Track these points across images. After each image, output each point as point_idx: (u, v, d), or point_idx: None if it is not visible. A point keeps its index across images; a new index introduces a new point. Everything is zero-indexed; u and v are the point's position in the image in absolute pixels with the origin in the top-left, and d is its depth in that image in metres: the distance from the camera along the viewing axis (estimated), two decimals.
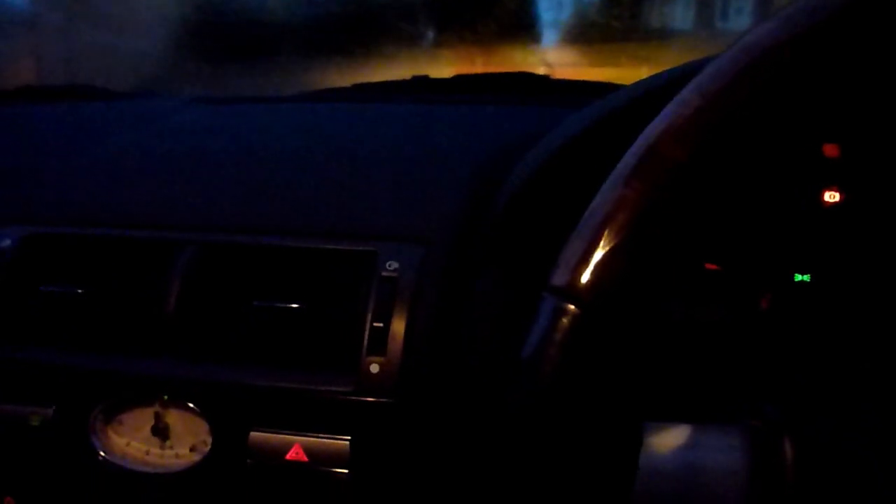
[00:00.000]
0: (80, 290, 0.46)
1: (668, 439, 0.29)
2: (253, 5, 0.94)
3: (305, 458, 0.41)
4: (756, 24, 0.26)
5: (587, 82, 0.69)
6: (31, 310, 0.46)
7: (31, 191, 0.52)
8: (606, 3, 0.88)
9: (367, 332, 0.41)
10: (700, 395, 0.39)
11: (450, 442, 0.40)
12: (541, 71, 0.78)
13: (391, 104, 0.66)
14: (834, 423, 0.30)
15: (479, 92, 0.68)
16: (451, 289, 0.42)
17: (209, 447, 0.43)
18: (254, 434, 0.42)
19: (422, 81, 0.71)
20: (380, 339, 0.41)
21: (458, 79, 0.71)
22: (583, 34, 0.88)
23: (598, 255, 0.26)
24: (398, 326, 0.41)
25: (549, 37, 0.89)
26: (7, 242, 0.47)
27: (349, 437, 0.41)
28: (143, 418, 0.44)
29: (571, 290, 0.26)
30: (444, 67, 0.84)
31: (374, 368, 0.40)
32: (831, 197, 0.42)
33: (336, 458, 0.41)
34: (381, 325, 0.41)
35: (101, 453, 0.44)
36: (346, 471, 0.41)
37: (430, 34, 0.87)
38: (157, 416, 0.44)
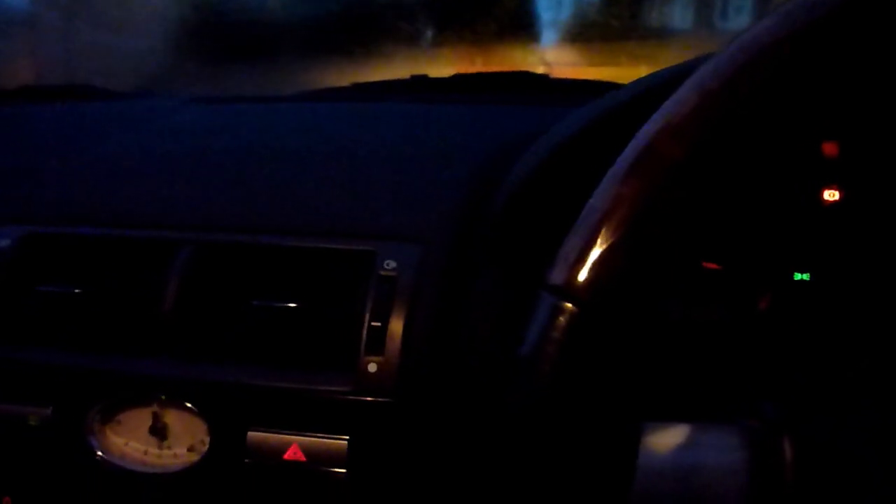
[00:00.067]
0: (77, 290, 0.46)
1: (667, 439, 0.29)
2: (252, 5, 0.94)
3: (304, 458, 0.41)
4: (754, 22, 0.26)
5: (586, 81, 0.69)
6: (29, 310, 0.46)
7: (29, 190, 0.52)
8: (606, 2, 0.88)
9: (365, 332, 0.41)
10: (699, 394, 0.39)
11: (448, 442, 0.40)
12: (540, 70, 0.78)
13: (390, 103, 0.66)
14: (833, 422, 0.30)
15: (478, 91, 0.68)
16: (450, 288, 0.42)
17: (207, 447, 0.43)
18: (252, 434, 0.41)
19: (421, 81, 0.71)
20: (378, 339, 0.40)
21: (457, 78, 0.71)
22: (582, 33, 0.88)
23: (596, 253, 0.26)
24: (396, 326, 0.41)
25: (549, 36, 0.89)
26: (5, 242, 0.47)
27: (347, 437, 0.41)
28: (141, 418, 0.44)
29: (569, 289, 0.26)
30: (443, 67, 0.84)
31: (372, 368, 0.40)
32: (831, 195, 0.41)
33: (334, 458, 0.41)
34: (379, 324, 0.41)
35: (99, 453, 0.44)
36: (344, 471, 0.41)
37: (430, 34, 0.87)
38: (155, 416, 0.44)
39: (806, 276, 0.42)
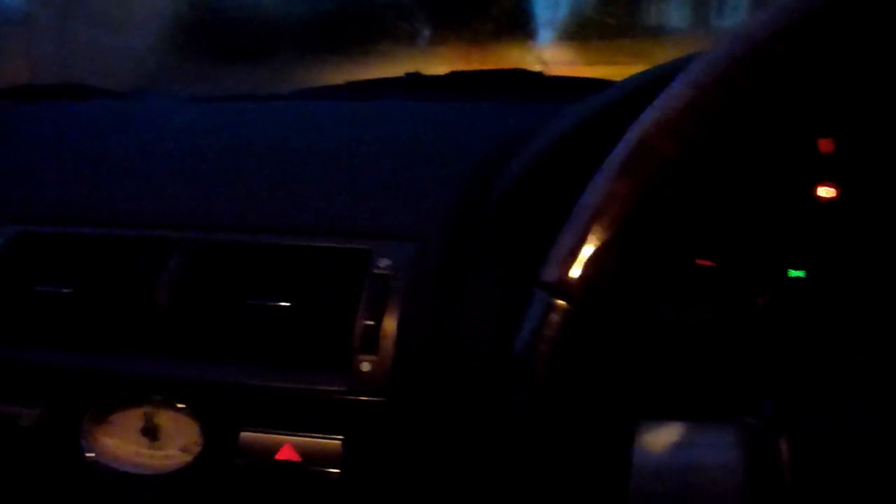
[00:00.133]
0: (71, 290, 0.45)
1: (663, 438, 0.29)
2: (248, 3, 0.94)
3: (297, 458, 0.41)
4: (749, 16, 0.26)
5: (582, 79, 0.68)
6: (23, 309, 0.46)
7: (24, 190, 0.52)
8: (602, 0, 0.88)
9: (359, 331, 0.40)
10: (695, 392, 0.38)
11: (443, 441, 0.40)
12: (536, 68, 0.78)
13: (385, 101, 0.66)
14: (829, 419, 0.29)
15: (473, 89, 0.68)
16: (445, 287, 0.42)
17: (200, 447, 0.43)
18: (245, 434, 0.41)
19: (416, 78, 0.71)
20: (372, 338, 0.40)
21: (453, 76, 0.71)
22: (578, 32, 0.88)
23: (589, 250, 0.25)
24: (390, 324, 0.40)
25: (545, 34, 0.88)
26: None
27: (341, 437, 0.40)
28: (133, 419, 0.44)
29: (561, 286, 0.25)
30: (438, 65, 0.83)
31: (366, 367, 0.40)
32: (826, 192, 0.41)
33: (328, 458, 0.40)
34: (373, 323, 0.40)
35: (91, 454, 0.44)
36: (338, 470, 0.40)
37: (425, 32, 0.87)
38: (147, 417, 0.44)
39: (801, 274, 0.41)
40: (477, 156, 0.49)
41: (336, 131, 0.58)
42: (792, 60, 0.25)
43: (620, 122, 0.28)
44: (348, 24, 0.86)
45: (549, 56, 0.86)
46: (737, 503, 0.28)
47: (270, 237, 0.44)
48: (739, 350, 0.40)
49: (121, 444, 0.44)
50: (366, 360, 0.40)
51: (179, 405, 0.43)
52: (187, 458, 0.43)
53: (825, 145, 0.41)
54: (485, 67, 0.80)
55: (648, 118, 0.26)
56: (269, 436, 0.41)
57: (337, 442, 0.40)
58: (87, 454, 0.44)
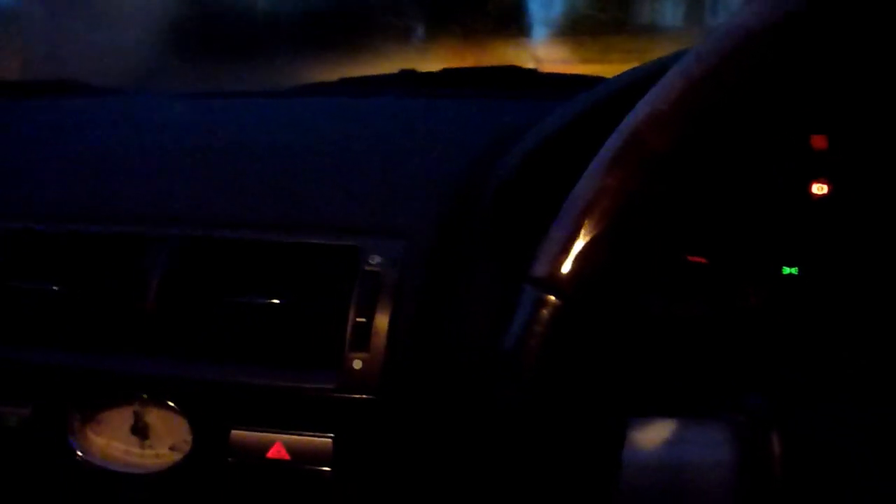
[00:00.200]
0: (57, 287, 0.45)
1: (654, 434, 0.29)
2: (241, 0, 0.94)
3: (287, 457, 0.40)
4: (742, 7, 0.26)
5: (576, 76, 0.68)
6: (8, 307, 0.45)
7: (11, 187, 0.51)
8: None
9: (349, 328, 0.40)
10: (686, 389, 0.38)
11: (435, 438, 0.40)
12: (530, 65, 0.78)
13: (378, 98, 0.65)
14: (820, 416, 0.29)
15: (467, 86, 0.68)
16: (436, 283, 0.42)
17: (189, 446, 0.42)
18: (235, 432, 0.41)
19: (409, 75, 0.71)
20: (363, 335, 0.40)
21: (446, 72, 0.70)
22: (572, 29, 0.88)
23: (579, 245, 0.25)
24: (381, 322, 0.40)
25: (539, 31, 0.88)
26: None
27: (332, 435, 0.40)
28: (122, 417, 0.44)
29: (552, 281, 0.25)
30: (432, 61, 0.83)
31: (357, 364, 0.40)
32: (819, 189, 0.41)
33: (319, 456, 0.40)
34: (363, 320, 0.40)
35: (80, 453, 0.43)
36: (328, 469, 0.40)
37: (419, 28, 0.86)
38: (137, 415, 0.43)
39: (794, 271, 0.41)
40: (470, 152, 0.49)
41: (329, 128, 0.58)
42: (785, 52, 0.25)
43: (612, 118, 0.28)
44: (342, 21, 0.86)
45: (543, 53, 0.86)
46: (727, 499, 0.27)
47: (260, 234, 0.44)
48: (731, 346, 0.40)
49: (110, 443, 0.44)
50: (357, 358, 0.40)
51: (169, 404, 0.42)
52: (177, 456, 0.43)
53: (818, 142, 0.41)
54: (478, 64, 0.80)
55: (639, 112, 0.26)
56: (259, 434, 0.41)
57: (328, 440, 0.40)
58: (77, 453, 0.43)
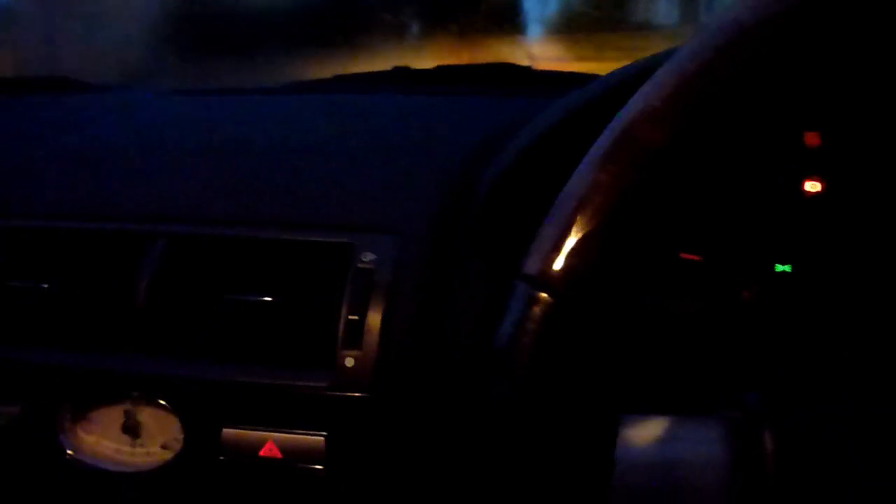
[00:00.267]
0: (48, 285, 0.44)
1: (646, 432, 0.29)
2: None
3: (280, 455, 0.40)
4: (735, 2, 0.26)
5: (570, 73, 0.68)
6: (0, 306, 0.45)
7: (2, 183, 0.51)
8: None
9: (342, 326, 0.40)
10: (679, 386, 0.38)
11: (427, 436, 0.40)
12: (524, 63, 0.77)
13: (372, 95, 0.65)
14: (813, 413, 0.29)
15: (461, 83, 0.68)
16: (430, 281, 0.42)
17: (181, 445, 0.42)
18: (226, 431, 0.41)
19: (403, 72, 0.70)
20: (355, 333, 0.40)
21: (441, 70, 0.70)
22: (567, 26, 0.88)
23: (571, 241, 0.25)
24: (374, 319, 0.40)
25: (533, 29, 0.88)
26: None
27: (324, 433, 0.40)
28: (113, 416, 0.43)
29: (544, 278, 0.25)
30: (426, 59, 0.83)
31: (350, 362, 0.39)
32: (812, 187, 0.41)
33: (311, 455, 0.40)
34: (356, 318, 0.40)
35: (70, 452, 0.43)
36: (321, 467, 0.40)
37: (413, 26, 0.86)
38: (128, 414, 0.43)
39: (787, 268, 0.41)
40: (463, 149, 0.49)
41: (322, 125, 0.57)
42: (779, 47, 0.25)
43: (606, 115, 0.28)
44: (336, 18, 0.86)
45: (537, 50, 0.86)
46: (720, 497, 0.27)
47: (253, 231, 0.44)
48: (724, 344, 0.40)
49: (101, 441, 0.44)
50: (349, 356, 0.40)
51: (160, 402, 0.42)
52: (168, 455, 0.42)
53: (811, 139, 0.41)
54: (473, 61, 0.80)
55: (632, 108, 0.26)
56: (251, 432, 0.41)
57: (320, 438, 0.40)
58: (67, 452, 0.43)
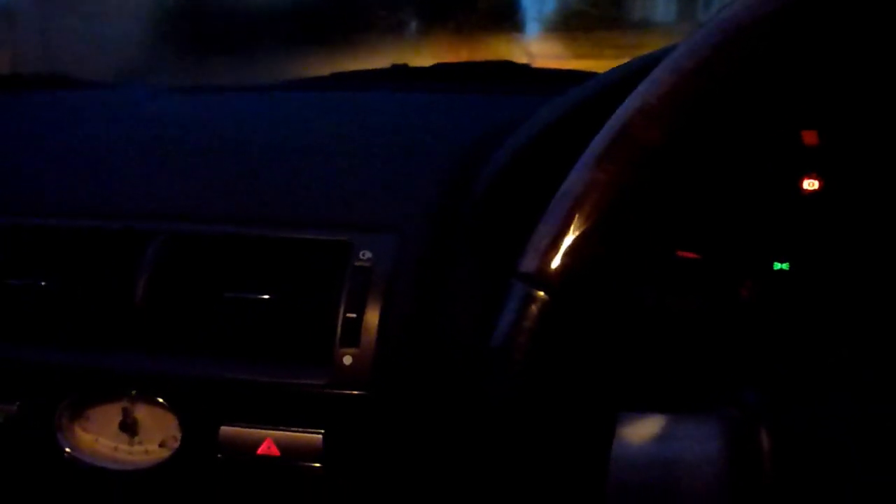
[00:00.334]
0: (46, 283, 0.44)
1: (643, 430, 0.29)
2: None
3: (278, 453, 0.40)
4: (733, 0, 0.26)
5: (568, 71, 0.68)
6: None
7: None
8: None
9: (340, 324, 0.40)
10: (677, 383, 0.38)
11: (425, 434, 0.40)
12: (523, 61, 0.77)
13: (370, 93, 0.65)
14: (811, 410, 0.29)
15: (459, 81, 0.68)
16: (427, 278, 0.42)
17: (179, 443, 0.42)
18: (225, 428, 0.41)
19: (401, 70, 0.70)
20: (353, 331, 0.40)
21: (439, 67, 0.70)
22: (565, 24, 0.87)
23: (568, 240, 0.25)
24: (372, 317, 0.40)
25: (532, 27, 0.88)
26: None
27: (322, 431, 0.40)
28: (111, 414, 0.43)
29: (540, 277, 0.25)
30: (425, 56, 0.83)
31: (348, 360, 0.39)
32: (810, 184, 0.41)
33: (309, 452, 0.40)
34: (354, 316, 0.40)
35: (68, 450, 0.43)
36: (319, 465, 0.40)
37: (411, 23, 0.86)
38: (126, 412, 0.43)
39: (785, 266, 0.41)
40: (461, 147, 0.49)
41: (320, 123, 0.57)
42: (776, 46, 0.25)
43: (603, 113, 0.28)
44: (334, 15, 0.86)
45: (536, 48, 0.86)
46: (718, 494, 0.27)
47: (250, 229, 0.44)
48: (723, 341, 0.40)
49: (98, 439, 0.44)
50: (347, 354, 0.40)
51: (158, 400, 0.42)
52: (166, 453, 0.42)
53: (809, 137, 0.41)
54: (471, 59, 0.80)
55: (629, 106, 0.26)
56: (249, 430, 0.41)
57: (318, 436, 0.40)
58: (65, 450, 0.43)
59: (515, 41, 0.86)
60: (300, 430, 0.40)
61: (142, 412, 0.43)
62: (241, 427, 0.40)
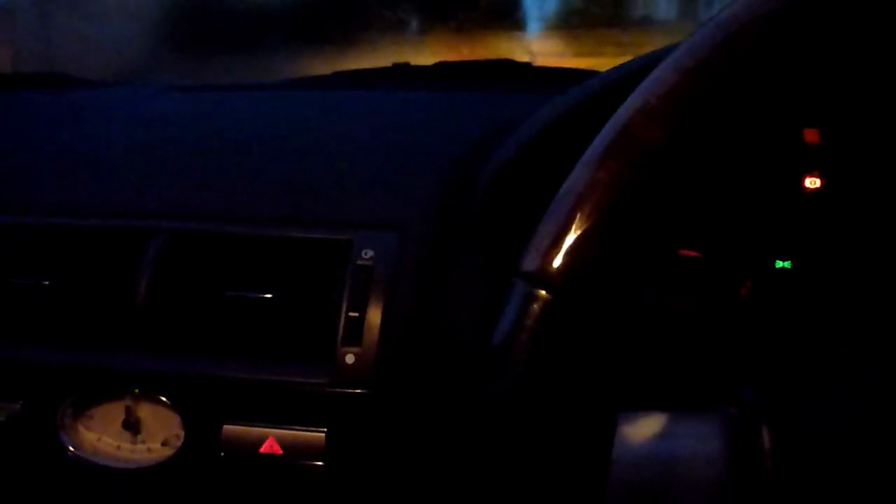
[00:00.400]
0: (48, 282, 0.44)
1: (644, 428, 0.29)
2: None
3: (280, 451, 0.40)
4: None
5: (570, 69, 0.68)
6: None
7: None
8: None
9: (342, 322, 0.40)
10: (678, 382, 0.38)
11: (427, 432, 0.40)
12: (524, 59, 0.77)
13: (371, 92, 0.65)
14: (813, 409, 0.29)
15: (461, 79, 0.68)
16: (429, 277, 0.42)
17: (182, 441, 0.42)
18: (227, 427, 0.41)
19: (403, 69, 0.70)
20: (355, 330, 0.40)
21: (441, 66, 0.70)
22: (567, 23, 0.87)
23: (570, 239, 0.25)
24: (374, 316, 0.40)
25: (533, 25, 0.88)
26: None
27: (325, 430, 0.40)
28: (113, 412, 0.43)
29: (542, 275, 0.25)
30: (426, 55, 0.83)
31: (350, 359, 0.40)
32: (812, 183, 0.41)
33: (311, 451, 0.40)
34: (356, 314, 0.40)
35: (71, 449, 0.43)
36: (321, 463, 0.40)
37: (413, 22, 0.86)
38: (129, 410, 0.43)
39: (787, 265, 0.41)
40: (463, 146, 0.49)
41: (322, 121, 0.57)
42: (776, 44, 0.25)
43: (605, 112, 0.28)
44: (336, 14, 0.86)
45: (537, 47, 0.86)
46: (718, 493, 0.27)
47: (252, 228, 0.44)
48: (724, 340, 0.40)
49: (101, 438, 0.44)
50: (349, 352, 0.40)
51: (161, 398, 0.42)
52: (169, 451, 0.42)
53: (811, 135, 0.41)
54: (472, 58, 0.80)
55: (631, 105, 0.26)
56: (252, 429, 0.41)
57: (320, 434, 0.40)
58: (68, 449, 0.43)
59: (517, 40, 0.86)
60: (302, 428, 0.40)
61: (144, 411, 0.43)
62: (244, 426, 0.41)
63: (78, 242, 0.46)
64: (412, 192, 0.44)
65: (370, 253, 0.41)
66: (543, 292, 0.25)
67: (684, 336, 0.40)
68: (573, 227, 0.25)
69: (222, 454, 0.41)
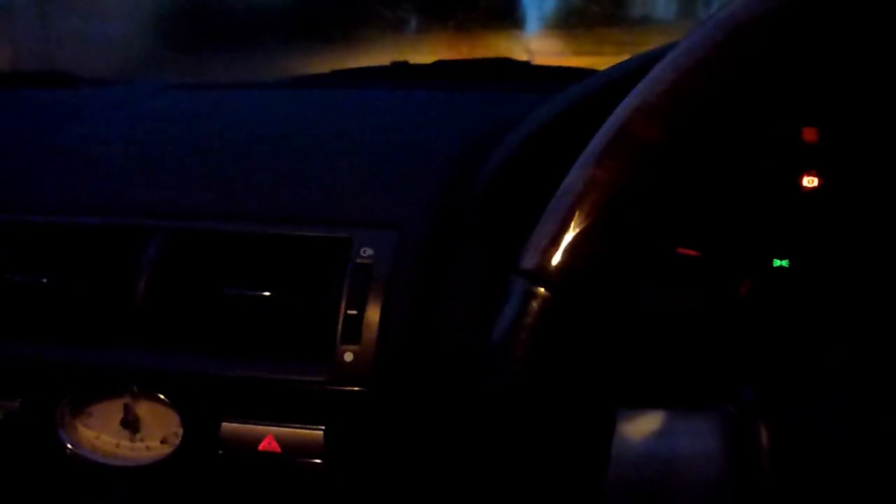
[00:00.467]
0: (47, 280, 0.44)
1: (643, 426, 0.29)
2: None
3: (279, 449, 0.40)
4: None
5: (568, 68, 0.68)
6: None
7: None
8: None
9: (341, 321, 0.40)
10: (676, 381, 0.38)
11: (426, 430, 0.40)
12: (522, 58, 0.77)
13: (370, 90, 0.65)
14: (811, 408, 0.29)
15: (459, 78, 0.68)
16: (427, 275, 0.42)
17: (180, 439, 0.42)
18: (226, 425, 0.41)
19: (401, 67, 0.70)
20: (354, 327, 0.40)
21: (439, 65, 0.70)
22: (565, 22, 0.87)
23: (569, 237, 0.25)
24: (373, 314, 0.40)
25: (532, 24, 0.88)
26: None
27: (323, 427, 0.40)
28: (112, 410, 0.43)
29: (541, 273, 0.25)
30: (425, 54, 0.83)
31: (349, 357, 0.40)
32: (810, 182, 0.41)
33: (310, 449, 0.40)
34: (355, 312, 0.40)
35: (70, 446, 0.43)
36: (320, 461, 0.40)
37: (412, 21, 0.86)
38: (127, 408, 0.43)
39: (785, 263, 0.42)
40: (462, 144, 0.49)
41: (320, 120, 0.57)
42: (774, 44, 0.25)
43: (603, 111, 0.28)
44: (334, 13, 0.86)
45: (536, 46, 0.86)
46: (716, 491, 0.27)
47: (250, 226, 0.44)
48: (723, 338, 0.40)
49: (100, 436, 0.44)
50: (348, 350, 0.40)
51: (160, 396, 0.42)
52: (167, 449, 0.43)
53: (809, 135, 0.41)
54: (471, 57, 0.80)
55: (629, 104, 0.26)
56: (250, 427, 0.41)
57: (319, 432, 0.40)
58: (66, 447, 0.43)
59: (515, 38, 0.86)
60: (301, 426, 0.40)
61: (143, 409, 0.43)
62: (243, 423, 0.41)
63: (77, 240, 0.46)
64: (411, 191, 0.45)
65: (369, 251, 0.41)
66: (542, 290, 0.25)
67: (683, 334, 0.40)
68: (572, 226, 0.25)
69: (221, 452, 0.41)
